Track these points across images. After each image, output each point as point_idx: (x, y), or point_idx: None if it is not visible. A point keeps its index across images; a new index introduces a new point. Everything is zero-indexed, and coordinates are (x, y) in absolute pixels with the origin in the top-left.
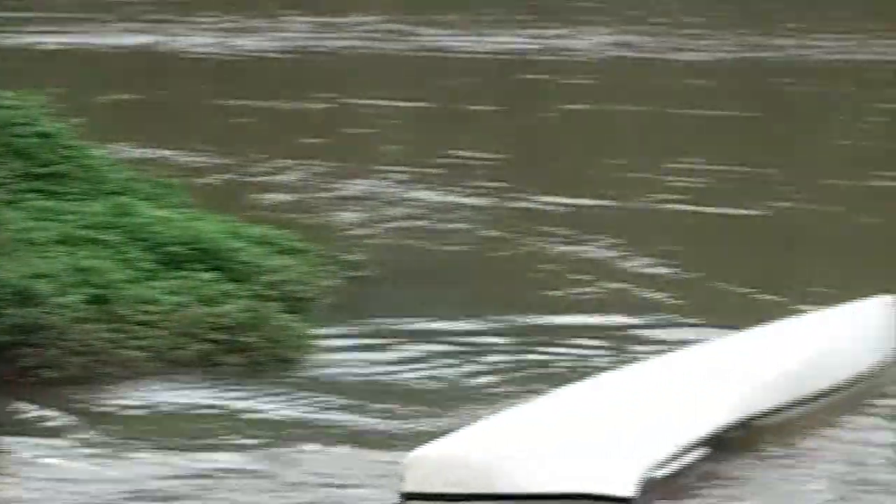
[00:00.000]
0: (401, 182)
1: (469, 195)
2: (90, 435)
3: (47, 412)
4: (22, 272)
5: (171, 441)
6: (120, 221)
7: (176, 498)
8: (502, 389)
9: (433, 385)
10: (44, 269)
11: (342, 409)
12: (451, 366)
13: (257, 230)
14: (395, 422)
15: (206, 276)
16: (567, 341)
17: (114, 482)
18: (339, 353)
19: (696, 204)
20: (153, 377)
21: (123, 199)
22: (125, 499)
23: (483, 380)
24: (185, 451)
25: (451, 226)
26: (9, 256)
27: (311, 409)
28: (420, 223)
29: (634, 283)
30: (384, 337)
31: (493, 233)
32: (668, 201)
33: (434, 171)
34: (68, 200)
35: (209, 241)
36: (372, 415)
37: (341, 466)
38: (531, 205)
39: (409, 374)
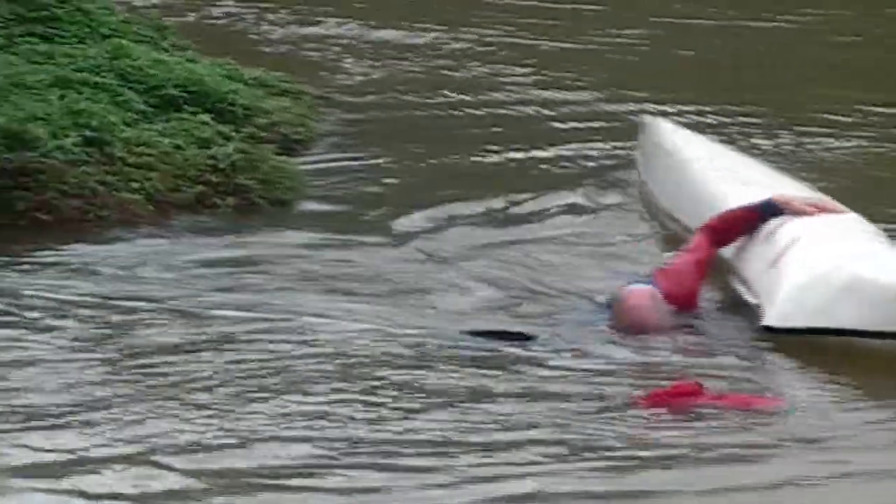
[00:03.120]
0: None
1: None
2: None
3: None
4: (16, 116)
5: None
6: (115, 64)
7: None
8: None
9: None
10: (38, 112)
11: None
12: None
13: (253, 72)
14: None
15: (201, 118)
16: None
17: None
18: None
19: None
20: (147, 220)
21: (119, 41)
22: None
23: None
24: None
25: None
26: (3, 100)
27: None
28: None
29: None
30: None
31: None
32: None
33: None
34: (63, 44)
35: (205, 84)
36: None
37: None
38: None
39: None
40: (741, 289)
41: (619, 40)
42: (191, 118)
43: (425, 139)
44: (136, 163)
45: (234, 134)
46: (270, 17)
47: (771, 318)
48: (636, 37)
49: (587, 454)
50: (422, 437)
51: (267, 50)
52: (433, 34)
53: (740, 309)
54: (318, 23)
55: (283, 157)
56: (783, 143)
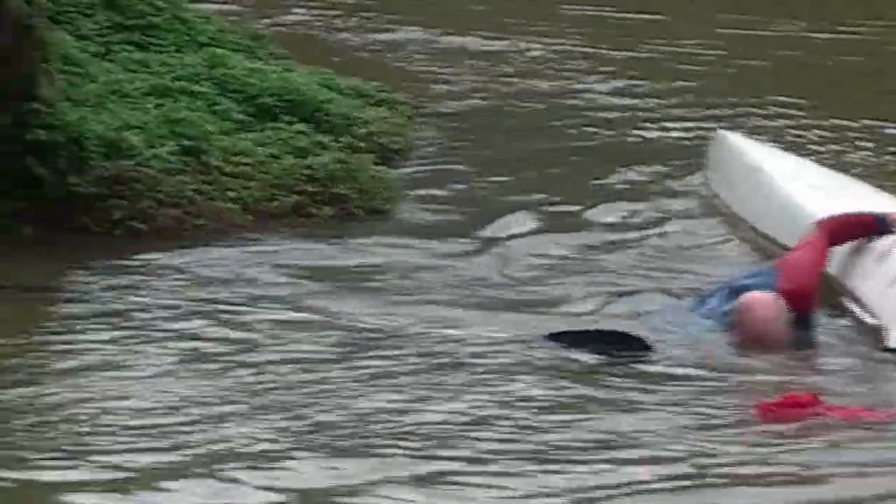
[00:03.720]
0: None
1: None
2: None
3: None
4: (113, 124)
5: None
6: (212, 73)
7: None
8: None
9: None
10: (135, 120)
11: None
12: None
13: (350, 81)
14: None
15: (298, 127)
16: None
17: None
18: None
19: None
20: (243, 229)
21: (216, 50)
22: None
23: None
24: None
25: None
26: (101, 108)
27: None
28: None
29: None
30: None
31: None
32: None
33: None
34: (160, 52)
35: (302, 93)
36: None
37: None
38: None
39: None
40: (855, 306)
41: (688, 50)
42: (287, 127)
43: (517, 147)
44: (233, 172)
45: (331, 143)
46: (338, 23)
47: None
48: (705, 46)
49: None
50: (545, 446)
51: (345, 58)
52: (505, 42)
53: (855, 325)
54: (390, 30)
55: (381, 167)
56: (866, 155)
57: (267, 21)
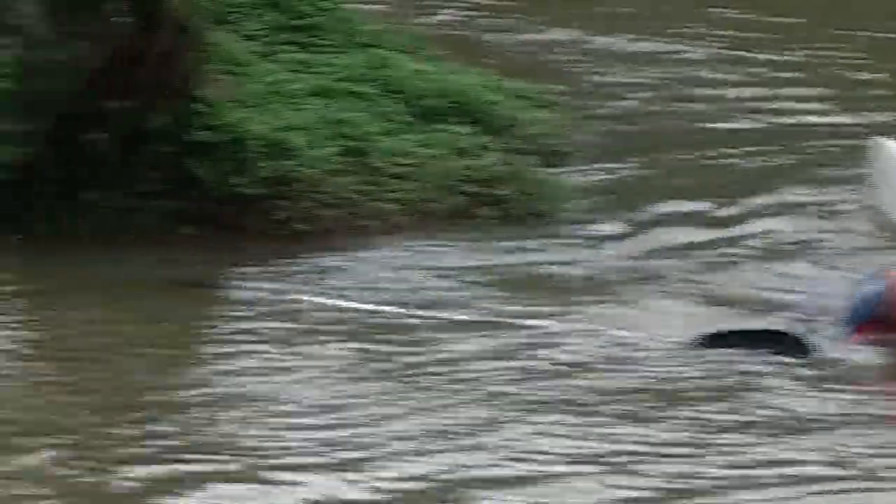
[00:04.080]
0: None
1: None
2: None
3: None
4: (276, 125)
5: None
6: (376, 73)
7: None
8: None
9: None
10: (297, 121)
11: None
12: None
13: (512, 83)
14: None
15: (462, 128)
16: None
17: None
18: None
19: None
20: (406, 229)
21: (381, 51)
22: None
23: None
24: None
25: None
26: (263, 109)
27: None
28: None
29: None
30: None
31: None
32: None
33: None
34: (323, 52)
35: (465, 94)
36: None
37: None
38: None
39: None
40: None
41: (836, 54)
42: (450, 128)
43: (678, 149)
44: (395, 173)
45: (493, 145)
46: (486, 23)
47: None
48: (854, 50)
49: None
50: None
51: (497, 59)
52: (656, 43)
53: None
54: (539, 30)
55: (543, 169)
56: None
57: (413, 21)
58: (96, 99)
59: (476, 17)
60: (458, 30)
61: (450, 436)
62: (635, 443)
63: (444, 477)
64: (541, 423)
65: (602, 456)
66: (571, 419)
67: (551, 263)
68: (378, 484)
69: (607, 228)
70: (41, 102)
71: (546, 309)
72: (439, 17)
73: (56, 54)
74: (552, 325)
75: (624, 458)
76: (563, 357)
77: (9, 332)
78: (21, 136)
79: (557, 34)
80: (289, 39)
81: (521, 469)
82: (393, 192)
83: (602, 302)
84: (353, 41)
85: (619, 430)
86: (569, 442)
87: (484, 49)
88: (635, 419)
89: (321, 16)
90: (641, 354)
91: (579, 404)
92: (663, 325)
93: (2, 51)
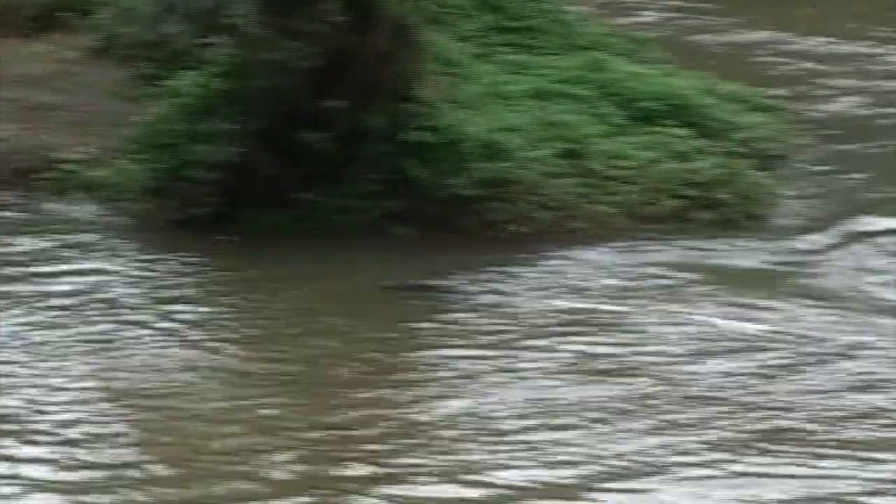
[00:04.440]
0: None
1: None
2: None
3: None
4: (492, 126)
5: None
6: (592, 76)
7: None
8: None
9: None
10: (514, 123)
11: None
12: None
13: (730, 87)
14: None
15: (678, 132)
16: None
17: None
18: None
19: None
20: (623, 232)
21: (597, 54)
22: None
23: None
24: None
25: None
26: (480, 110)
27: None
28: None
29: None
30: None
31: None
32: None
33: None
34: (540, 54)
35: (681, 98)
36: None
37: None
38: None
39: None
40: None
41: None
42: (667, 131)
43: (891, 155)
44: (613, 175)
45: (710, 148)
46: (686, 24)
47: None
48: None
49: None
50: None
51: (703, 60)
52: (858, 45)
53: None
54: (740, 32)
55: (760, 172)
56: None
57: (616, 23)
58: (312, 98)
59: (678, 18)
60: (660, 31)
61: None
62: None
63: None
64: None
65: None
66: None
67: (769, 266)
68: None
69: (823, 234)
70: (256, 102)
71: (763, 314)
72: (640, 19)
73: (271, 54)
74: (764, 328)
75: None
76: (771, 362)
77: (222, 328)
78: (235, 135)
79: (758, 35)
80: (505, 41)
81: None
82: (611, 194)
83: (828, 307)
84: (570, 43)
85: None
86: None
87: (691, 50)
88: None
89: (539, 18)
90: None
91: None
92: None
93: (217, 50)
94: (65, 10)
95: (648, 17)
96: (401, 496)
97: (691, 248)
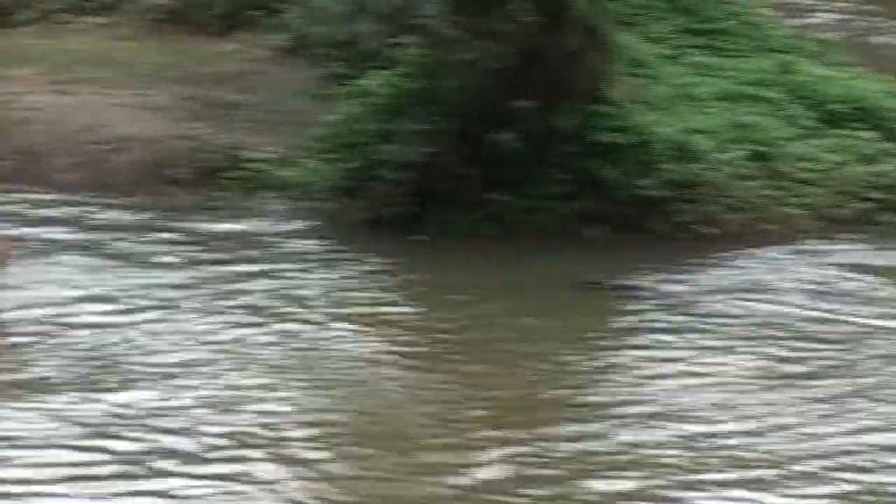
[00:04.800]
0: None
1: None
2: None
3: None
4: (681, 127)
5: None
6: (781, 79)
7: None
8: None
9: None
10: (703, 124)
11: None
12: None
13: None
14: None
15: (866, 134)
16: None
17: None
18: None
19: None
20: (811, 234)
21: (786, 56)
22: None
23: None
24: None
25: None
26: (669, 111)
27: None
28: None
29: None
30: None
31: None
32: None
33: None
34: (729, 56)
35: (870, 100)
36: None
37: None
38: None
39: None
40: None
41: None
42: (854, 134)
43: None
44: (801, 178)
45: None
46: (861, 25)
47: None
48: None
49: None
50: None
51: (884, 63)
52: None
53: None
54: None
55: None
56: None
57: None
58: (501, 99)
59: (850, 20)
60: (834, 33)
61: None
62: None
63: None
64: None
65: None
66: None
67: None
68: None
69: None
70: (446, 102)
71: None
72: (812, 20)
73: (461, 54)
74: None
75: None
76: None
77: (414, 328)
78: (426, 135)
79: None
80: (694, 43)
81: None
82: (798, 196)
83: None
84: (760, 46)
85: None
86: None
87: (868, 53)
88: None
89: (730, 20)
90: None
91: None
92: None
93: (407, 50)
94: (254, 8)
95: (819, 18)
96: None
97: (879, 251)
